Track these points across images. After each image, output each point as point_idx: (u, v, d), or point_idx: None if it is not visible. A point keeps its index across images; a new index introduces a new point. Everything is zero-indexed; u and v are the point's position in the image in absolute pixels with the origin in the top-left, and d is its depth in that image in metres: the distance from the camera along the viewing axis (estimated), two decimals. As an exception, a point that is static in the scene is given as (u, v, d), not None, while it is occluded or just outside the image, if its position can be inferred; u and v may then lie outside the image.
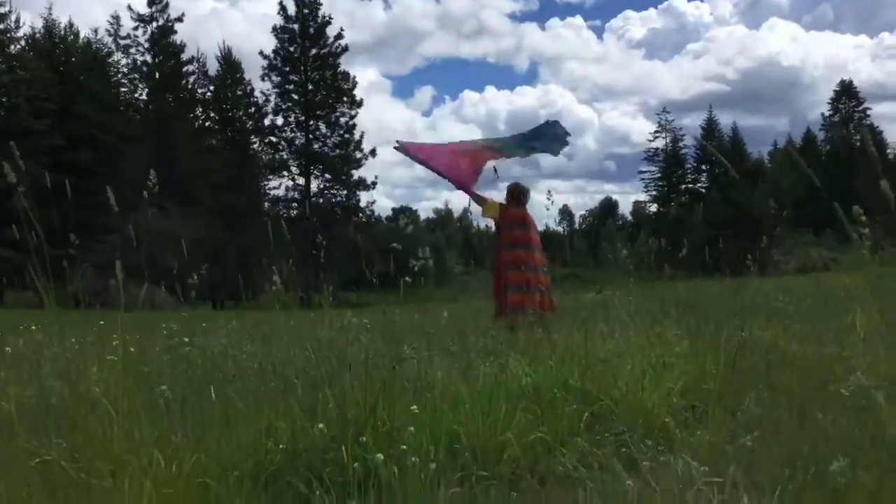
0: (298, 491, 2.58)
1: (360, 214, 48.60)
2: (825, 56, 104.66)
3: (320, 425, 2.83)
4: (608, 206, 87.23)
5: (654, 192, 63.53)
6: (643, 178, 63.90)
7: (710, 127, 60.84)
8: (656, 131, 63.49)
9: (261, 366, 3.94)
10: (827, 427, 2.78)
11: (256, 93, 49.15)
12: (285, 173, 48.30)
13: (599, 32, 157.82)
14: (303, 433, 2.87)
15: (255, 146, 48.92)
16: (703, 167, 60.85)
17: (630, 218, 76.56)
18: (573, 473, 2.81)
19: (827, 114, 65.93)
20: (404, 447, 2.45)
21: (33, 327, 6.20)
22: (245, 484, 2.43)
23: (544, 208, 6.39)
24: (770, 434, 2.93)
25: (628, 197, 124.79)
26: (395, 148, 7.42)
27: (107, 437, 2.47)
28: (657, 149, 63.01)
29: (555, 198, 6.34)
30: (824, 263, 35.41)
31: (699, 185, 61.56)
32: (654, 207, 64.45)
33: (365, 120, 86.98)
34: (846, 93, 65.53)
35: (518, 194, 7.29)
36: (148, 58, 45.54)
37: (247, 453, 2.75)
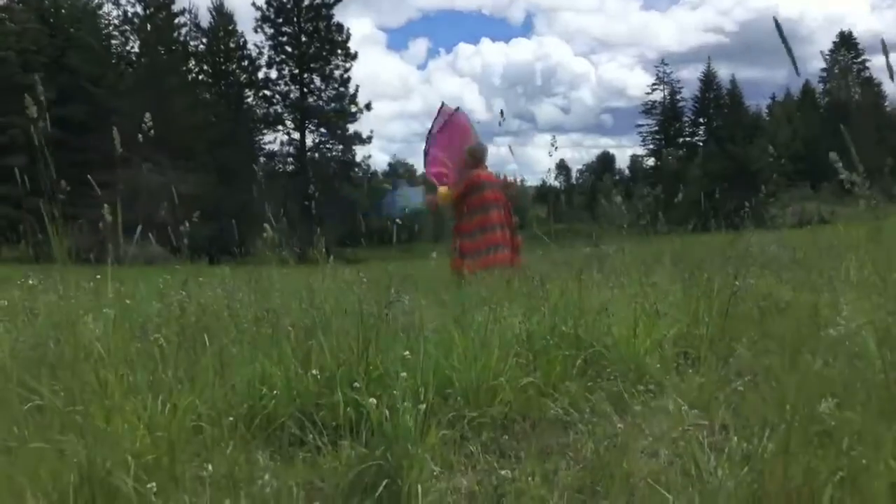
0: (292, 433, 2.61)
1: (356, 169, 48.34)
2: (823, 7, 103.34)
3: (314, 371, 2.85)
4: (605, 161, 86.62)
5: (651, 146, 63.23)
6: (640, 132, 63.60)
7: (709, 79, 60.18)
8: (654, 84, 62.97)
9: (255, 315, 3.94)
10: (818, 371, 2.79)
11: (250, 45, 48.49)
12: (280, 127, 47.92)
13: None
14: (296, 379, 2.89)
15: (249, 100, 48.39)
16: (701, 120, 60.39)
17: (627, 172, 76.22)
18: (565, 417, 2.84)
19: (825, 65, 65.07)
20: (396, 392, 2.46)
21: (31, 281, 6.17)
22: (239, 427, 2.44)
23: (547, 155, 6.30)
24: (761, 379, 2.96)
25: (625, 151, 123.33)
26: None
27: (101, 383, 2.48)
28: (655, 102, 62.54)
29: (552, 151, 6.23)
30: (821, 217, 35.40)
31: (696, 138, 61.16)
32: (651, 161, 64.20)
33: (359, 73, 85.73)
34: (845, 44, 64.53)
35: (475, 157, 7.16)
36: (139, 9, 44.78)
37: (241, 398, 2.77)
